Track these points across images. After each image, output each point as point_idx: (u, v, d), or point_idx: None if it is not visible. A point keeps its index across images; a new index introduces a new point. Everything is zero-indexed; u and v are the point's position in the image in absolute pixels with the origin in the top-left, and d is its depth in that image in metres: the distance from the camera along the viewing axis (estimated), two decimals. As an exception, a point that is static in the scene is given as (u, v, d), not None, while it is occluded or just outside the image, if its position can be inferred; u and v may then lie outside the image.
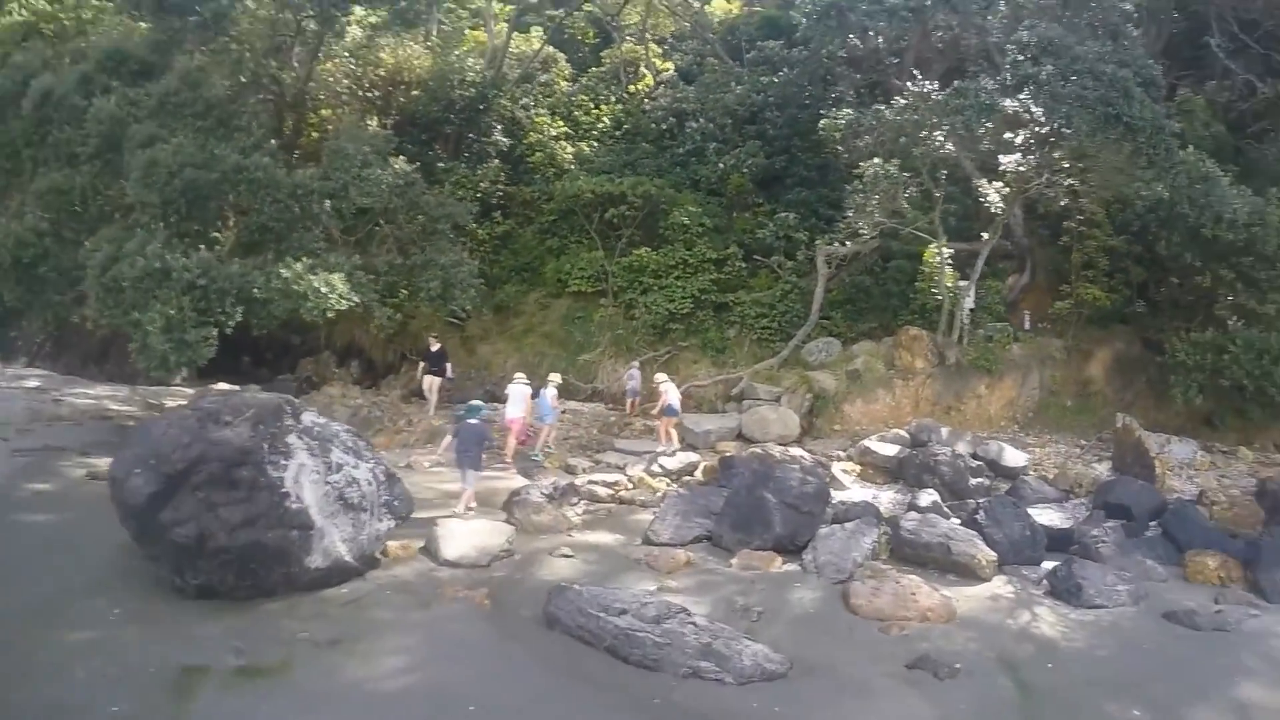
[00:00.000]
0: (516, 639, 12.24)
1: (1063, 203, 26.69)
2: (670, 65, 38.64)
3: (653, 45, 39.22)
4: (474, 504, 17.56)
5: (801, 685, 11.50)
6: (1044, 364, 27.27)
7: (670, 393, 23.30)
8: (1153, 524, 19.41)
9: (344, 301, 23.12)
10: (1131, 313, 28.03)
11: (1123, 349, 27.97)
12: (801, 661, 12.01)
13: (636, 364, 27.15)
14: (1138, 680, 12.25)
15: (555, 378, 24.01)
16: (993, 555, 16.17)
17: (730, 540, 16.52)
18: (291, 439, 13.40)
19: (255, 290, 22.76)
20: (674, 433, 23.29)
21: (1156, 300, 28.31)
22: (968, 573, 15.85)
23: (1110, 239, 27.71)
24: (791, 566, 15.81)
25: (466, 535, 15.21)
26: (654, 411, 24.14)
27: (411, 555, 14.91)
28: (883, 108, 24.34)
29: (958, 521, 17.72)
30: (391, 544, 14.81)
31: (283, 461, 13.10)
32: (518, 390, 22.51)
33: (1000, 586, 15.72)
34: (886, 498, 20.86)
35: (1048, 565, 16.64)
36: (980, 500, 19.06)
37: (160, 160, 23.69)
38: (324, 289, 22.78)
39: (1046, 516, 19.16)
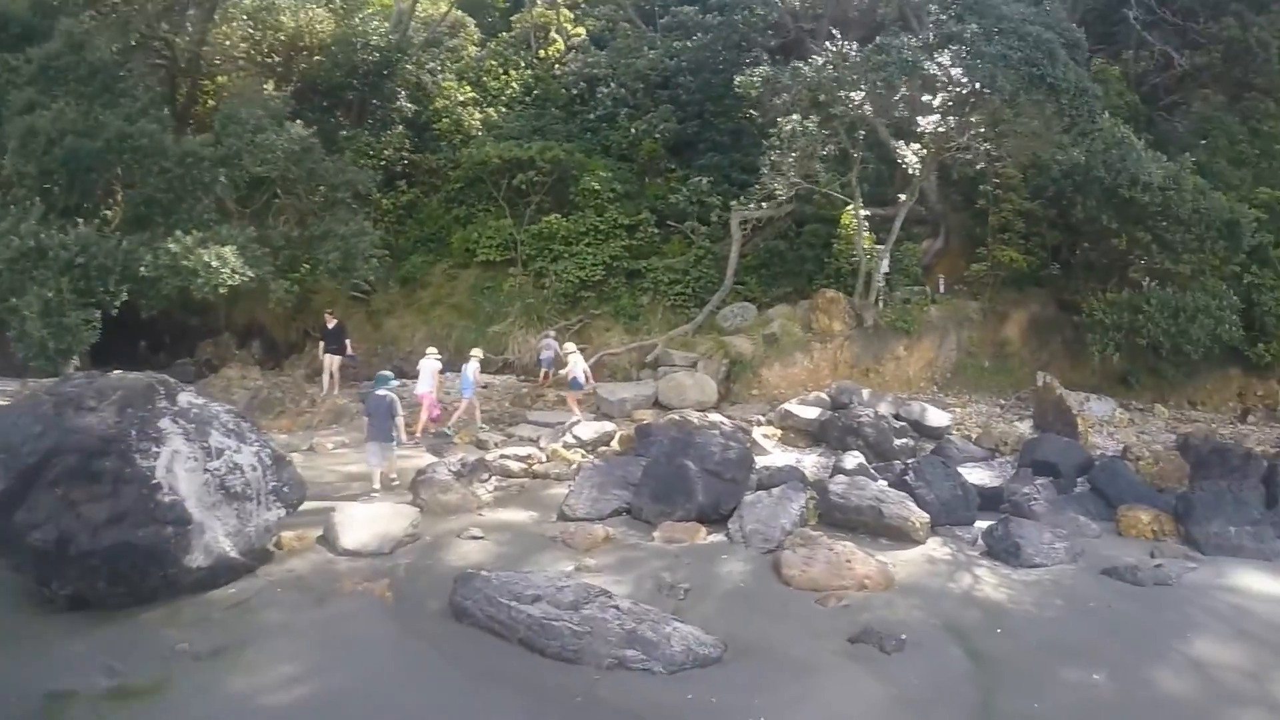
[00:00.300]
0: (421, 636, 10.56)
1: (979, 166, 25.75)
2: (582, 30, 36.77)
3: (564, 10, 37.19)
4: (395, 475, 16.42)
5: (738, 670, 10.13)
6: (961, 326, 26.45)
7: (576, 365, 21.81)
8: (1080, 480, 18.89)
9: (237, 276, 21.26)
10: (1046, 275, 27.47)
11: (1038, 310, 27.37)
12: (736, 642, 10.65)
13: (552, 333, 25.56)
14: (1090, 641, 11.38)
15: (478, 352, 22.44)
16: (925, 517, 15.17)
17: (651, 512, 15.06)
18: (164, 423, 11.57)
19: (141, 268, 21.00)
20: (577, 409, 21.74)
21: (1071, 263, 27.84)
22: (901, 536, 14.80)
23: (1026, 203, 26.99)
24: (717, 537, 14.49)
25: (367, 521, 13.40)
26: (563, 373, 22.59)
27: (308, 546, 13.12)
28: (801, 65, 22.99)
29: (885, 483, 16.72)
30: (286, 534, 13.04)
31: (153, 449, 11.26)
32: (428, 365, 21.00)
33: (936, 549, 14.75)
34: (810, 461, 19.74)
35: (981, 525, 15.82)
36: (908, 461, 18.07)
37: (39, 128, 21.87)
38: (215, 263, 20.88)
39: (976, 475, 18.30)
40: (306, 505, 13.93)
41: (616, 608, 10.47)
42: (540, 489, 17.04)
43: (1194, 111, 30.74)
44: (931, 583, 13.21)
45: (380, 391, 16.35)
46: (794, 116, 23.62)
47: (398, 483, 16.26)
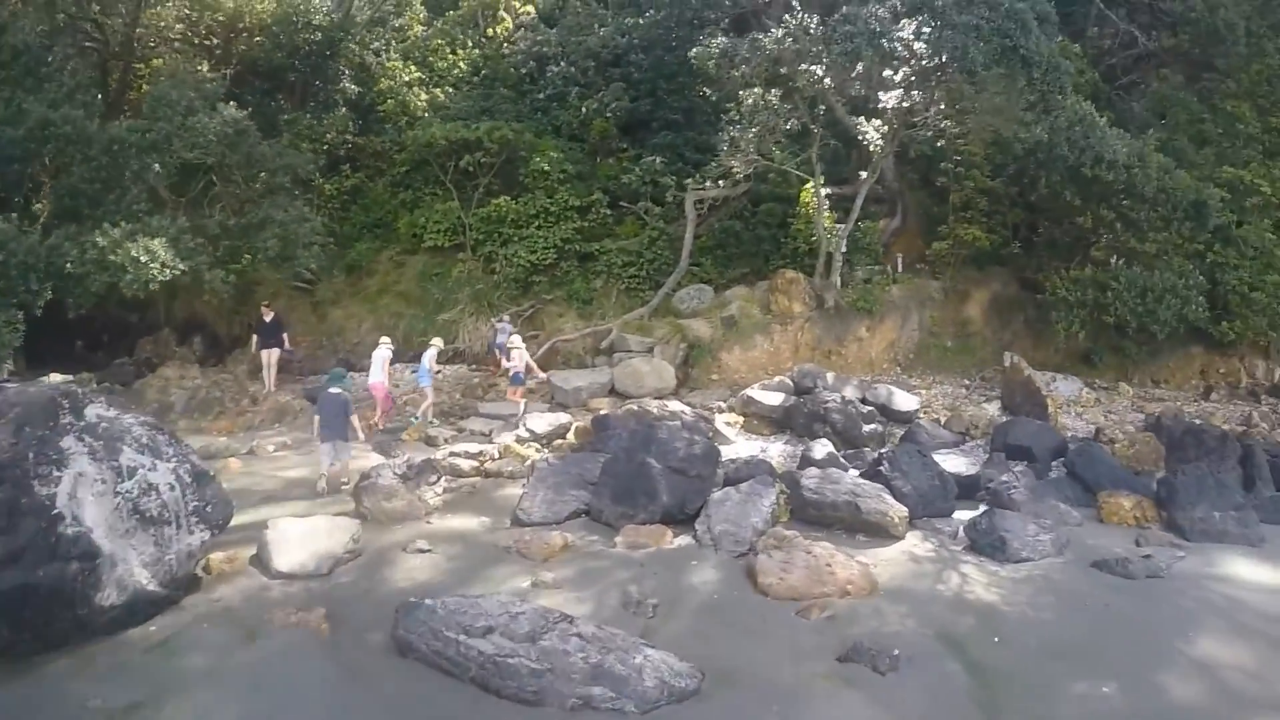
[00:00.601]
0: (360, 677, 9.01)
1: (939, 143, 24.59)
2: (530, 8, 35.09)
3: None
4: (346, 479, 14.99)
5: (719, 703, 8.78)
6: (923, 305, 25.33)
7: (518, 359, 20.14)
8: (1054, 464, 17.88)
9: (167, 270, 19.62)
10: (1008, 254, 26.36)
11: (999, 289, 26.36)
12: (714, 668, 9.29)
13: (506, 317, 24.01)
14: (1092, 646, 10.32)
15: (437, 341, 21.13)
16: (904, 510, 13.95)
17: (611, 514, 13.64)
18: (67, 442, 9.96)
19: (67, 264, 19.42)
20: (520, 401, 20.12)
21: (1033, 241, 26.82)
22: (879, 532, 13.61)
23: (989, 180, 25.85)
24: (684, 540, 13.09)
25: (302, 538, 11.77)
26: (508, 366, 20.93)
27: (239, 568, 11.51)
28: (760, 36, 21.56)
29: (857, 473, 15.51)
30: (216, 556, 11.46)
31: (54, 473, 9.66)
32: (379, 354, 19.52)
33: (916, 545, 13.57)
34: (776, 450, 18.48)
35: (960, 516, 14.79)
36: (882, 450, 16.82)
37: (-46, 115, 20.19)
38: (143, 258, 19.24)
39: (950, 462, 17.17)
40: (244, 518, 12.62)
41: (579, 636, 9.02)
42: (493, 489, 15.55)
43: (1151, 91, 29.81)
44: (918, 585, 12.03)
45: (334, 389, 15.18)
46: (755, 90, 22.23)
47: (349, 485, 14.74)
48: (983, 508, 15.12)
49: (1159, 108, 28.89)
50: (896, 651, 9.79)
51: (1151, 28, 30.22)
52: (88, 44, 27.49)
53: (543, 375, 21.65)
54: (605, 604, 10.79)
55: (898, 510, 13.78)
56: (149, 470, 10.43)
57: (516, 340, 20.81)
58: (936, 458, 16.65)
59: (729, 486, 14.37)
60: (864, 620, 10.69)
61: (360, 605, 10.58)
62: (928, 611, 11.10)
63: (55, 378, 20.62)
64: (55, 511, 9.48)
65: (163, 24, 29.01)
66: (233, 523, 11.84)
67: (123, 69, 28.78)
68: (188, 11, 29.09)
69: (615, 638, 9.19)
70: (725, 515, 13.25)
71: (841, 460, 16.60)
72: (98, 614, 9.62)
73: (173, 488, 10.56)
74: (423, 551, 12.17)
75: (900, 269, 25.92)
